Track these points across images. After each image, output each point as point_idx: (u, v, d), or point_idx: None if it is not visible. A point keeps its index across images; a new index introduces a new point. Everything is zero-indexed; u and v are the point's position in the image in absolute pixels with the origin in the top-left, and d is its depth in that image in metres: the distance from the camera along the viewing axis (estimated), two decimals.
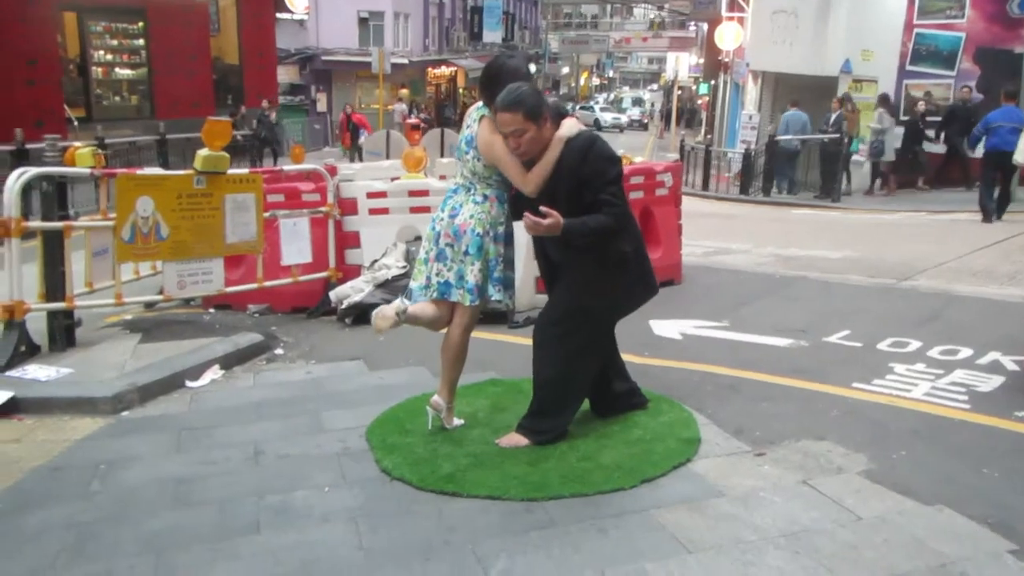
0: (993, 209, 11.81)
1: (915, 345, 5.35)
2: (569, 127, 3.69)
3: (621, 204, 3.65)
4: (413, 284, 3.94)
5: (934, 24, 16.35)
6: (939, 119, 15.73)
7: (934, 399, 4.40)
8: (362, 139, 21.97)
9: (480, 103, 3.91)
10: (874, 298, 6.93)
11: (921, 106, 16.04)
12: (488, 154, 3.74)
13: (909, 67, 16.60)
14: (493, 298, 3.87)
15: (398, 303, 3.75)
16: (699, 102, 40.64)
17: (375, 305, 6.08)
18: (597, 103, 59.59)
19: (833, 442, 3.83)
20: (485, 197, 3.83)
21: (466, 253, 3.79)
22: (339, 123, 24.98)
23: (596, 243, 3.58)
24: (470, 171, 3.86)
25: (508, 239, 3.93)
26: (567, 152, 3.62)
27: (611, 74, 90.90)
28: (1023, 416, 4.13)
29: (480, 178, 3.84)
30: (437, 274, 3.84)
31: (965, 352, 5.17)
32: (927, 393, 4.48)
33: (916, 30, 16.45)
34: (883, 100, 16.16)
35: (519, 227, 3.91)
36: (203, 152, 5.59)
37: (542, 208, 3.47)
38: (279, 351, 5.63)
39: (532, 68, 54.97)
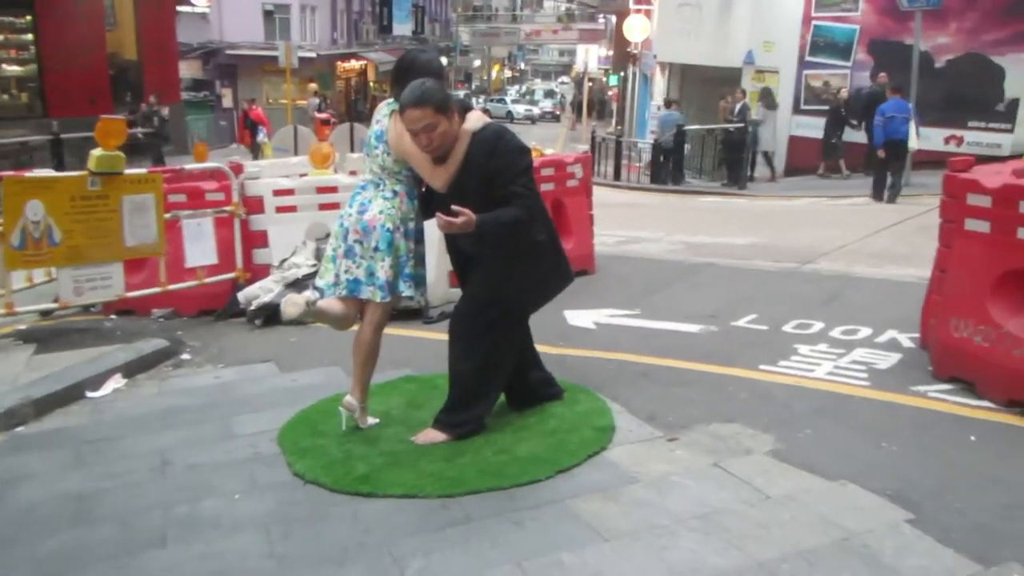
0: (884, 189, 12.89)
1: (818, 326, 5.53)
2: (475, 121, 3.66)
3: (532, 195, 3.65)
4: (320, 282, 3.86)
5: (830, 16, 16.99)
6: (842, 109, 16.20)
7: (836, 378, 4.56)
8: (261, 136, 20.79)
9: (391, 99, 3.86)
10: (779, 282, 7.14)
11: (843, 93, 16.43)
12: (399, 149, 3.70)
13: (808, 58, 17.19)
14: (404, 294, 3.84)
15: (309, 293, 3.69)
16: (609, 93, 41.13)
17: None
18: (509, 95, 59.77)
19: (742, 424, 3.92)
20: (395, 193, 3.78)
21: (376, 249, 3.73)
22: (238, 120, 22.98)
23: (510, 235, 3.58)
24: (379, 166, 3.80)
25: (419, 235, 3.88)
26: (474, 145, 3.60)
27: (523, 66, 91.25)
28: (919, 391, 4.32)
29: (390, 173, 3.78)
30: (346, 271, 3.78)
31: (865, 331, 5.37)
32: (830, 372, 4.64)
33: (814, 22, 17.05)
34: (764, 94, 17.21)
35: (430, 223, 3.87)
36: (97, 152, 5.37)
37: (454, 207, 3.43)
38: (186, 356, 5.45)
39: (443, 61, 54.73)
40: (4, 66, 19.80)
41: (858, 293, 6.55)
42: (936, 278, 4.73)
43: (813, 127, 17.09)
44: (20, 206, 5.05)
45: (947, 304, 4.47)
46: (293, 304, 3.65)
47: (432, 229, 3.85)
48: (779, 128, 17.41)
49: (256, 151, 20.82)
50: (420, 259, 3.91)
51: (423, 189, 3.85)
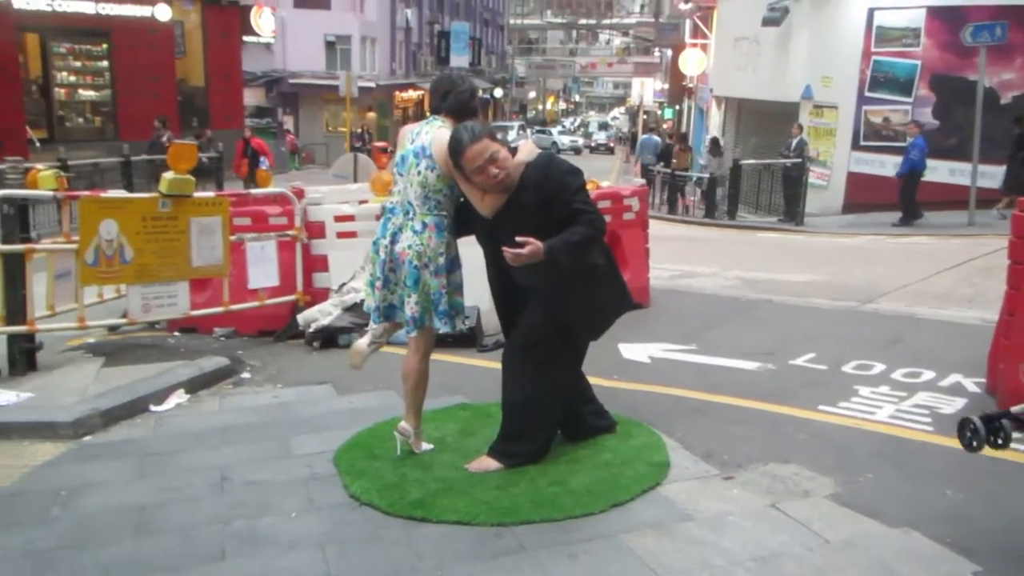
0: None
1: (879, 368, 5.42)
2: (528, 151, 3.66)
3: (594, 210, 3.62)
4: (368, 305, 4.03)
5: (891, 52, 16.76)
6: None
7: (898, 421, 4.46)
8: (263, 166, 17.90)
9: (432, 117, 3.83)
10: (838, 321, 7.02)
11: None
12: (448, 167, 3.62)
13: (868, 93, 16.96)
14: (440, 331, 3.85)
15: (366, 340, 4.00)
16: (664, 126, 41.15)
17: (343, 328, 6.07)
18: (557, 127, 59.91)
19: (800, 465, 3.86)
20: (424, 225, 3.71)
21: (404, 284, 3.79)
22: (236, 148, 18.72)
23: (583, 253, 3.55)
24: (419, 184, 3.70)
25: (451, 266, 3.82)
26: (529, 172, 3.58)
27: (577, 98, 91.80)
28: None
29: (427, 195, 3.69)
30: (383, 300, 3.89)
31: (928, 374, 5.25)
32: (892, 416, 4.54)
33: (874, 58, 16.84)
34: (713, 143, 19.14)
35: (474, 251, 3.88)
36: (168, 175, 5.55)
37: (518, 238, 3.41)
38: (246, 375, 5.56)
39: (499, 92, 55.34)
40: (80, 91, 20.67)
41: (921, 335, 6.41)
42: (1004, 322, 4.62)
43: (873, 163, 16.85)
44: (95, 225, 5.24)
45: (1016, 348, 4.35)
46: (357, 354, 3.99)
47: (476, 256, 3.86)
48: (837, 164, 17.22)
49: (250, 183, 16.77)
50: (457, 288, 3.88)
51: (460, 203, 3.79)
